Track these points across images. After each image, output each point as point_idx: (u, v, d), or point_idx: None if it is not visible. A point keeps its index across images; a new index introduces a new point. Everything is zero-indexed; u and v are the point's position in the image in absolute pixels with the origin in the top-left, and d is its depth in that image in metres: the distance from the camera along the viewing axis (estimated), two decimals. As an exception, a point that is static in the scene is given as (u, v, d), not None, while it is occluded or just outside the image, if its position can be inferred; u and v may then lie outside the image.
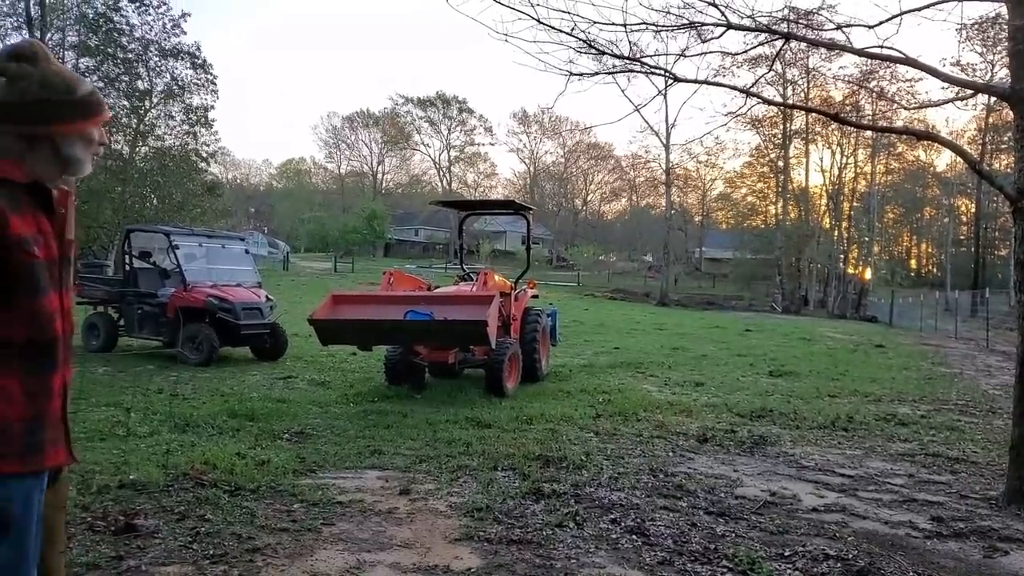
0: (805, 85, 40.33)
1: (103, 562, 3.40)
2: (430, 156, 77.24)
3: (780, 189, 46.39)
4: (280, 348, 11.33)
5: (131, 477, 4.61)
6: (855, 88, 33.50)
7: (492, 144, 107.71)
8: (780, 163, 45.60)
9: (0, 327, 1.67)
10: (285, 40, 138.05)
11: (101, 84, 28.35)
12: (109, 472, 4.72)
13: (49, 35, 27.11)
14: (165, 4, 28.61)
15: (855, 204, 46.48)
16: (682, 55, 7.85)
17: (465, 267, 11.53)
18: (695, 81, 8.06)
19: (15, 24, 26.99)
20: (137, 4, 28.04)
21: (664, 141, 43.41)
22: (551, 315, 10.74)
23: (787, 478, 5.42)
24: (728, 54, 7.93)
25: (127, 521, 3.85)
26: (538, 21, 6.32)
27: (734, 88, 8.93)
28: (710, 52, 7.71)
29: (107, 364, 10.08)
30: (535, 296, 10.58)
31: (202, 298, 10.59)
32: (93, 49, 27.58)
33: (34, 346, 1.72)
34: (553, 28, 6.57)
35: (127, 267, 11.76)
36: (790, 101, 35.43)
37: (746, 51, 7.93)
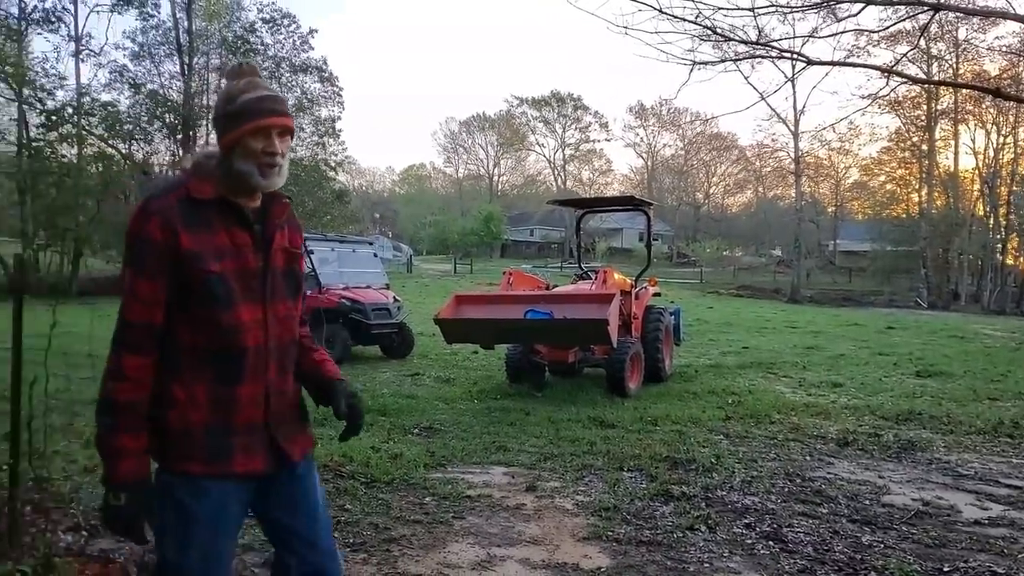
0: (953, 60, 37.14)
1: (257, 544, 3.61)
2: (545, 155, 77.68)
3: (924, 175, 43.05)
4: (407, 346, 11.70)
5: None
6: (1015, 59, 30.49)
7: (608, 140, 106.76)
8: (924, 147, 42.31)
9: (184, 335, 1.77)
10: (405, 51, 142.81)
11: (241, 102, 30.42)
12: (257, 462, 5.01)
13: (196, 59, 29.41)
14: (295, 23, 30.36)
15: (1015, 188, 42.29)
16: (812, 36, 7.45)
17: (583, 265, 11.46)
18: (828, 63, 7.65)
19: (167, 52, 29.49)
20: (270, 25, 29.91)
21: (792, 128, 41.43)
22: (674, 313, 10.46)
23: (942, 487, 5.00)
24: (865, 32, 7.45)
25: (274, 508, 4.09)
26: (659, 11, 6.20)
27: (872, 68, 8.39)
28: (845, 31, 7.25)
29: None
30: (657, 294, 10.35)
31: (335, 299, 11.10)
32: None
33: (218, 355, 1.78)
34: (675, 17, 6.42)
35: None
36: (936, 78, 32.77)
37: (886, 27, 7.41)
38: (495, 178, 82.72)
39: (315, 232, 16.51)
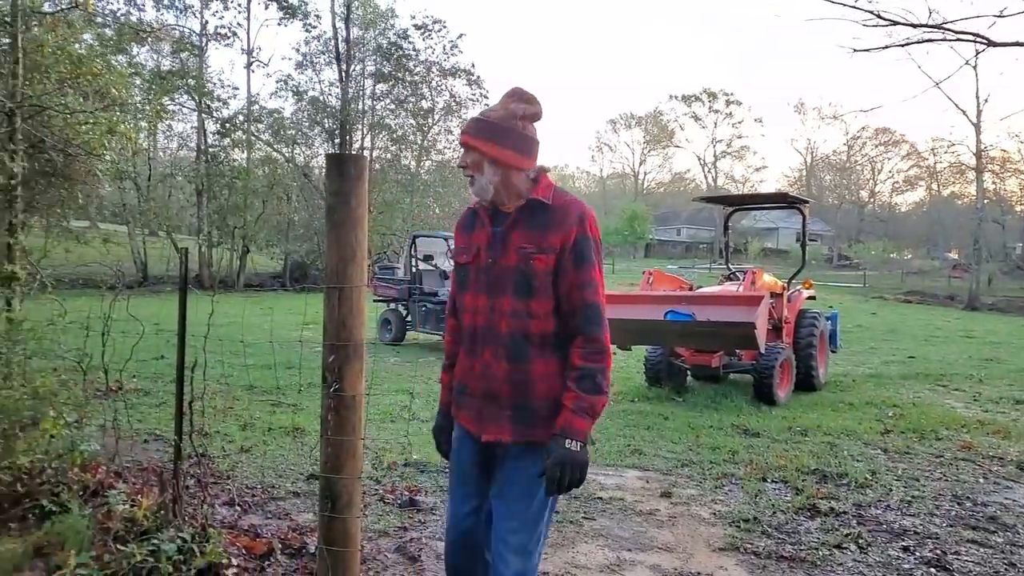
0: None
1: (391, 531, 3.77)
2: (694, 153, 75.69)
3: None
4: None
5: (414, 457, 5.06)
6: None
7: (762, 136, 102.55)
8: None
9: None
10: (550, 53, 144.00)
11: (392, 106, 31.93)
12: (397, 451, 5.24)
13: (353, 66, 31.19)
14: (444, 27, 31.39)
15: None
16: (1000, 16, 6.73)
17: (731, 266, 11.00)
18: (1016, 44, 6.87)
19: (327, 60, 31.51)
20: (422, 31, 31.10)
21: (973, 119, 37.71)
22: (831, 318, 9.81)
23: None
24: (1065, 7, 6.58)
25: (411, 497, 4.24)
26: (814, -5, 5.83)
27: (1068, 47, 7.43)
28: (1039, 7, 6.45)
29: (397, 355, 11.25)
30: (811, 297, 9.75)
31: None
32: (387, 75, 31.18)
33: (463, 330, 2.25)
34: (833, 2, 6.03)
35: (413, 269, 12.98)
36: None
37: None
38: (640, 176, 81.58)
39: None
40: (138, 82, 21.90)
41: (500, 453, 2.17)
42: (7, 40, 4.17)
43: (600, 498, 4.46)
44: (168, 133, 33.11)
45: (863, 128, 66.21)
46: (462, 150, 2.15)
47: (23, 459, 3.32)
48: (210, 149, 29.93)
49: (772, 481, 4.94)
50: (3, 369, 3.54)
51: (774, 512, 4.28)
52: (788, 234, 61.36)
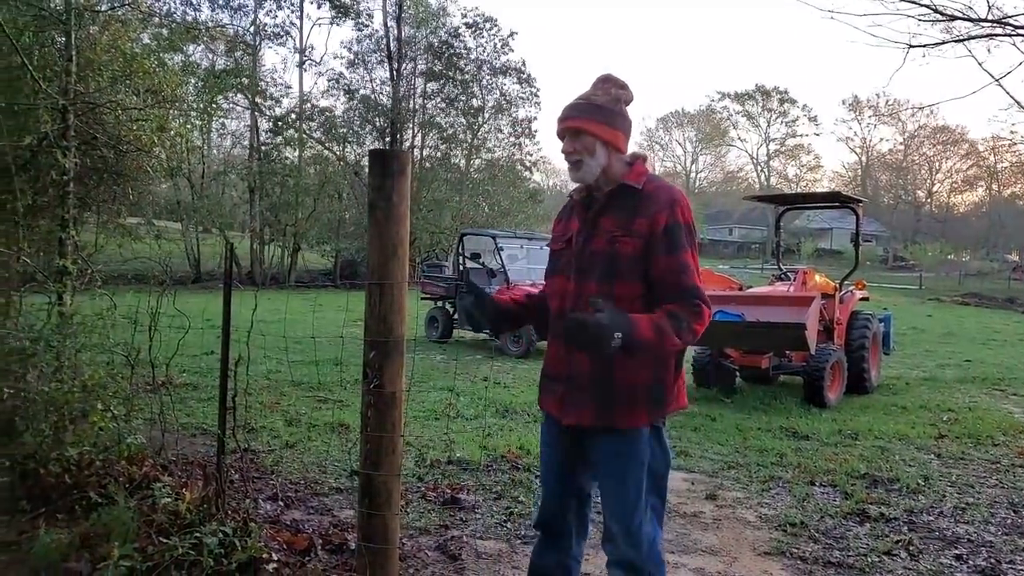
0: None
1: (432, 528, 3.79)
2: (747, 151, 74.27)
3: None
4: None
5: (457, 455, 5.09)
6: None
7: (817, 134, 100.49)
8: None
9: None
10: (603, 48, 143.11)
11: (443, 104, 32.15)
12: (440, 449, 5.28)
13: (404, 65, 31.51)
14: (496, 26, 31.44)
15: None
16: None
17: (783, 266, 10.77)
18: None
19: (379, 59, 31.88)
20: (473, 29, 31.23)
21: (1038, 116, 36.17)
22: (884, 320, 9.55)
23: None
24: None
25: (453, 495, 4.25)
26: (869, -11, 5.68)
27: None
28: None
29: (443, 353, 11.33)
30: (864, 298, 9.51)
31: (521, 295, 11.36)
32: (437, 74, 31.41)
33: (551, 314, 2.31)
34: (889, -4, 5.87)
35: (460, 267, 13.05)
36: None
37: None
38: (692, 175, 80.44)
39: (507, 230, 17.07)
40: (192, 81, 22.47)
41: (586, 440, 2.20)
42: (61, 38, 4.31)
43: (643, 499, 4.42)
44: (222, 131, 33.99)
45: (921, 127, 64.09)
46: (570, 135, 2.15)
47: (71, 451, 3.40)
48: (263, 147, 30.55)
49: (820, 485, 4.84)
50: (53, 362, 3.61)
51: (822, 517, 4.20)
52: (842, 235, 59.79)
